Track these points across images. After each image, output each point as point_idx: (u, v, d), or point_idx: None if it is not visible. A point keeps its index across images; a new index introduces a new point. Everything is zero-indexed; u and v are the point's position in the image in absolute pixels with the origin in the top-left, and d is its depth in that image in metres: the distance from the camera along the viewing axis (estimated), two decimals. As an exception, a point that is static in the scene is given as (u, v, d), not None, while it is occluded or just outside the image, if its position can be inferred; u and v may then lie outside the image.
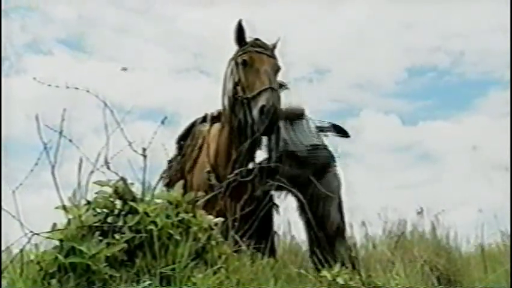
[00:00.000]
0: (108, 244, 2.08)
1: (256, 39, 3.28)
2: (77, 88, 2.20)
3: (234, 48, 3.93)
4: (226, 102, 3.26)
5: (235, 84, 3.16)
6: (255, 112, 2.96)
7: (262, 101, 2.93)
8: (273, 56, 3.25)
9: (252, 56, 3.17)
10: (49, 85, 2.18)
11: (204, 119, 3.70)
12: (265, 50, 3.23)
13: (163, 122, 2.39)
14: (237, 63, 3.21)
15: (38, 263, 2.06)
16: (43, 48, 9.85)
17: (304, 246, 3.57)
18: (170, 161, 3.67)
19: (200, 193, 2.47)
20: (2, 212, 2.06)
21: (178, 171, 3.59)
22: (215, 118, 3.59)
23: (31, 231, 2.07)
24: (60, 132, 2.09)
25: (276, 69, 3.22)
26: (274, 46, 3.32)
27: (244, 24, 3.27)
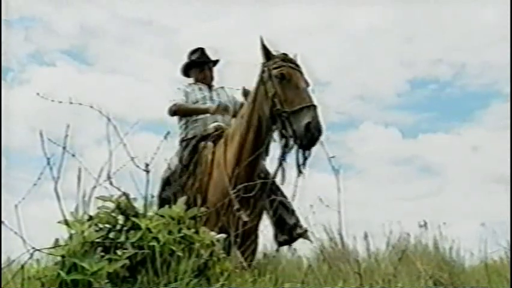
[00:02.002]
0: (110, 260, 2.06)
1: (284, 53, 3.34)
2: (80, 104, 2.21)
3: (235, 59, 3.94)
4: (262, 114, 3.28)
5: (272, 97, 3.19)
6: (299, 127, 3.02)
7: (307, 117, 3.02)
8: (304, 73, 3.32)
9: (289, 71, 3.24)
10: (52, 100, 2.19)
11: (203, 138, 3.72)
12: (297, 66, 3.31)
13: (166, 137, 2.39)
14: (270, 76, 3.24)
15: (39, 279, 2.04)
16: (46, 59, 9.90)
17: (307, 260, 3.55)
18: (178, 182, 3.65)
19: (203, 209, 2.46)
20: (3, 224, 2.05)
21: (198, 188, 3.52)
22: (216, 137, 3.65)
23: (33, 248, 2.05)
24: (64, 148, 2.09)
25: (308, 85, 3.29)
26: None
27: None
